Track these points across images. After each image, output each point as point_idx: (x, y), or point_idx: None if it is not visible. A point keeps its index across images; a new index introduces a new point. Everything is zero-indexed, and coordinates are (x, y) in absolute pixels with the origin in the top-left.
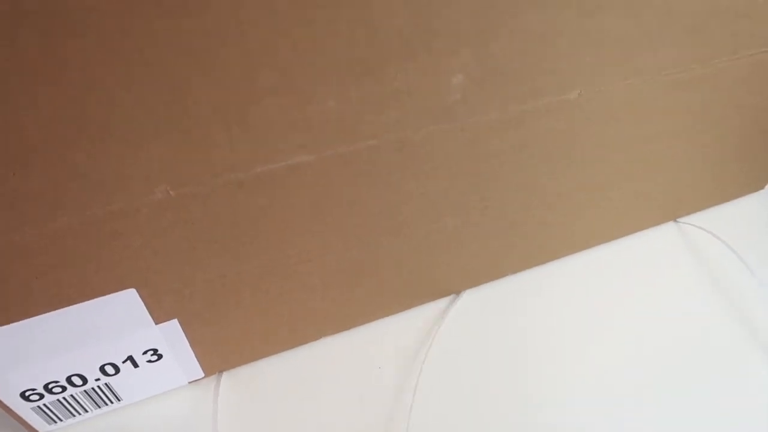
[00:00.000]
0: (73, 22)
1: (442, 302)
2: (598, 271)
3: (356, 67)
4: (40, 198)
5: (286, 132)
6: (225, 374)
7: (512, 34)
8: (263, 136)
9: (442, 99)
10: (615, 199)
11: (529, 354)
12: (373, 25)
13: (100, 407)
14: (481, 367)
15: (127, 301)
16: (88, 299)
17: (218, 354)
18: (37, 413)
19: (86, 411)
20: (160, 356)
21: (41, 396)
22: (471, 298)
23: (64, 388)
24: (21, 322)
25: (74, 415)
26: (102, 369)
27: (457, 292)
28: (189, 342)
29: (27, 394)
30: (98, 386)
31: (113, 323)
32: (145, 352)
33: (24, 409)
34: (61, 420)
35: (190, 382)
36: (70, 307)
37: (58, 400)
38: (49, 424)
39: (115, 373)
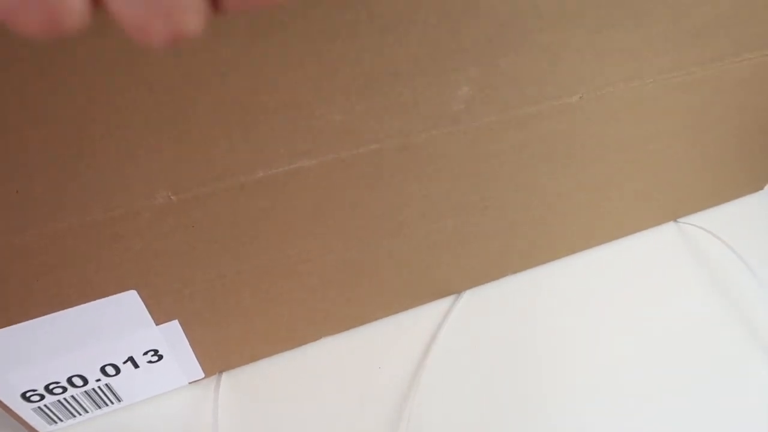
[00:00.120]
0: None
1: (443, 302)
2: (598, 271)
3: (363, 83)
4: (42, 201)
5: (289, 138)
6: (225, 374)
7: (520, 50)
8: (265, 142)
9: (447, 108)
10: (615, 199)
11: (530, 354)
12: (383, 49)
13: (100, 408)
14: (482, 367)
15: (128, 302)
16: (89, 300)
17: (218, 354)
18: (37, 414)
19: (87, 411)
20: (160, 357)
21: (42, 397)
22: (471, 298)
23: (64, 389)
24: (22, 323)
25: (75, 416)
26: (102, 370)
27: (458, 292)
28: (189, 342)
29: (28, 394)
30: (99, 387)
31: (114, 324)
32: (145, 353)
33: (25, 410)
34: (61, 420)
35: (190, 383)
36: (71, 308)
37: (58, 400)
38: (50, 424)
39: (116, 374)
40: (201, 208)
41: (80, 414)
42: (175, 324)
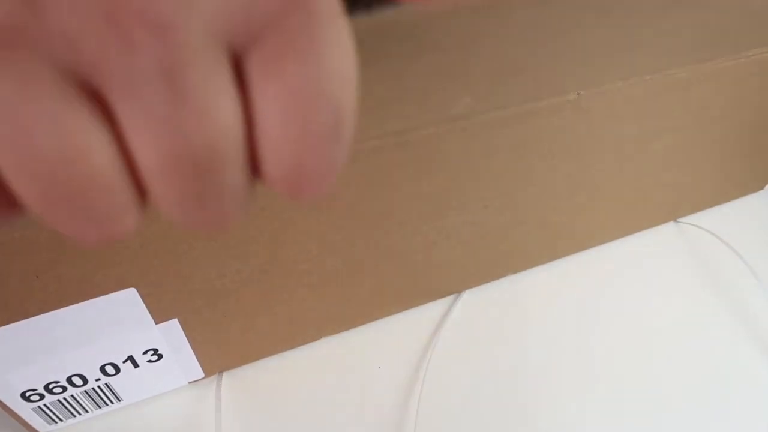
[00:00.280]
0: None
1: (443, 302)
2: (598, 271)
3: (363, 82)
4: None
5: None
6: (225, 374)
7: (521, 60)
8: None
9: (447, 112)
10: (614, 199)
11: (530, 354)
12: (384, 73)
13: (100, 407)
14: (481, 367)
15: (128, 301)
16: (88, 298)
17: (218, 354)
18: (37, 413)
19: (87, 411)
20: (160, 356)
21: (42, 396)
22: (471, 298)
23: (64, 389)
24: (21, 321)
25: (75, 416)
26: (102, 369)
27: (458, 292)
28: (189, 342)
29: (27, 394)
30: (98, 386)
31: (113, 322)
32: (145, 352)
33: (24, 410)
34: (61, 420)
35: (190, 383)
36: (70, 306)
37: (58, 400)
38: (50, 424)
39: (116, 373)
40: None
41: (80, 414)
42: (174, 323)
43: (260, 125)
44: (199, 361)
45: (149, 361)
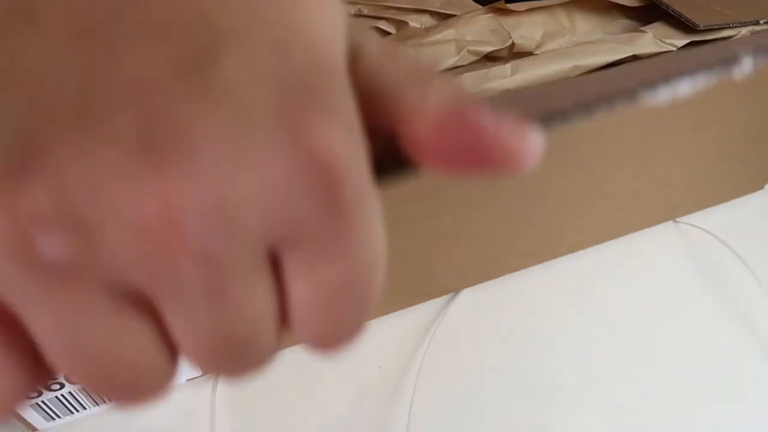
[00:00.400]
0: None
1: (441, 301)
2: (596, 270)
3: None
4: None
5: None
6: None
7: None
8: None
9: None
10: (615, 199)
11: (528, 353)
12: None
13: (98, 404)
14: (480, 366)
15: None
16: None
17: None
18: (35, 410)
19: (84, 408)
20: None
21: (39, 393)
22: (469, 297)
23: (62, 385)
24: None
25: (73, 413)
26: None
27: (456, 291)
28: None
29: None
30: None
31: None
32: None
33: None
34: (59, 417)
35: (187, 380)
36: None
37: (56, 396)
38: (48, 421)
39: None
40: None
41: (78, 411)
42: None
43: (293, 310)
44: None
45: None
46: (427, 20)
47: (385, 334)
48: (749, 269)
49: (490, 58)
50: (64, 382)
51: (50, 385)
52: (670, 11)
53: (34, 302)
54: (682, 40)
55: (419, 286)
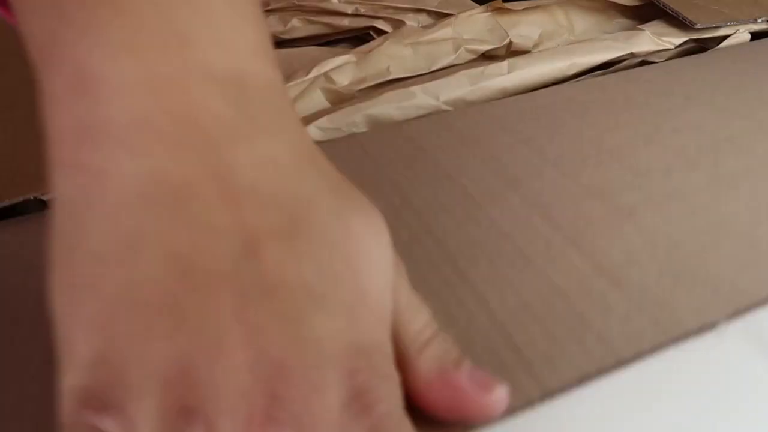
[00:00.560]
0: None
1: None
2: None
3: None
4: None
5: None
6: None
7: None
8: None
9: None
10: None
11: None
12: None
13: None
14: None
15: None
16: None
17: None
18: None
19: None
20: None
21: None
22: None
23: None
24: None
25: None
26: None
27: None
28: None
29: None
30: None
31: None
32: None
33: None
34: None
35: None
36: None
37: None
38: None
39: None
40: None
41: None
42: None
43: None
44: None
45: None
46: (424, 19)
47: None
48: None
49: (488, 57)
50: None
51: None
52: (668, 10)
53: None
54: (679, 39)
55: None
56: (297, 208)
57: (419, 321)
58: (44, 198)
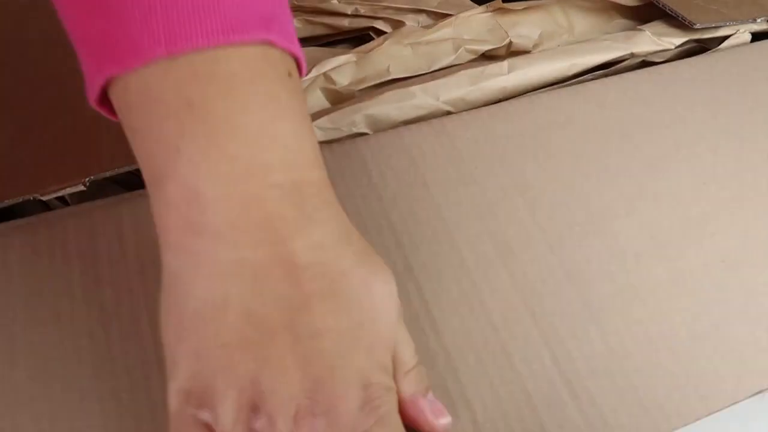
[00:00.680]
0: None
1: None
2: None
3: None
4: None
5: None
6: None
7: None
8: None
9: None
10: None
11: None
12: None
13: None
14: None
15: None
16: None
17: None
18: None
19: None
20: None
21: None
22: None
23: None
24: None
25: None
26: None
27: None
28: None
29: None
30: None
31: None
32: None
33: None
34: None
35: None
36: None
37: None
38: None
39: None
40: None
41: None
42: None
43: None
44: None
45: None
46: (424, 20)
47: None
48: None
49: (488, 57)
50: None
51: None
52: (668, 10)
53: None
54: (679, 39)
55: None
56: (335, 277)
57: (408, 352)
58: (44, 198)
